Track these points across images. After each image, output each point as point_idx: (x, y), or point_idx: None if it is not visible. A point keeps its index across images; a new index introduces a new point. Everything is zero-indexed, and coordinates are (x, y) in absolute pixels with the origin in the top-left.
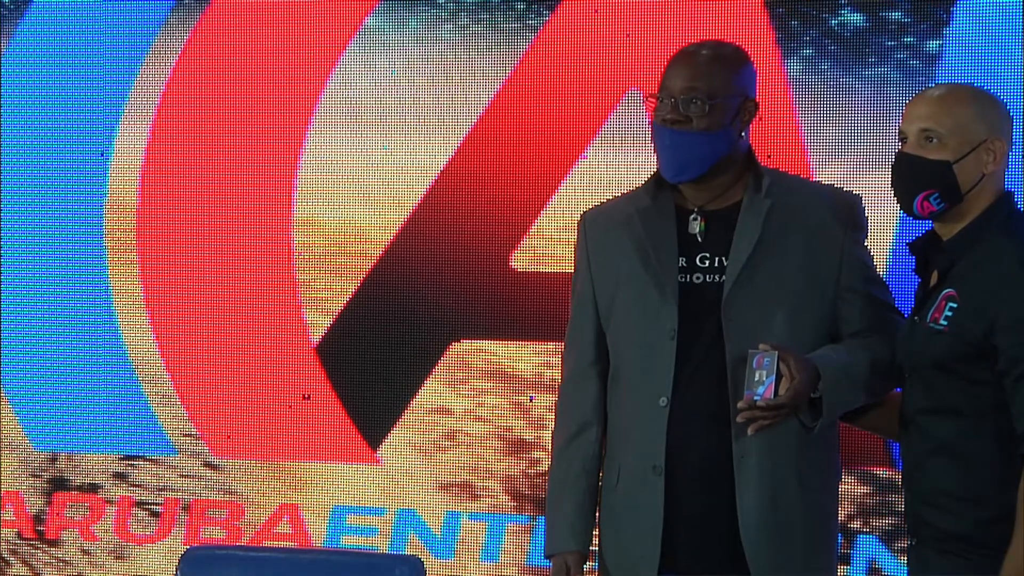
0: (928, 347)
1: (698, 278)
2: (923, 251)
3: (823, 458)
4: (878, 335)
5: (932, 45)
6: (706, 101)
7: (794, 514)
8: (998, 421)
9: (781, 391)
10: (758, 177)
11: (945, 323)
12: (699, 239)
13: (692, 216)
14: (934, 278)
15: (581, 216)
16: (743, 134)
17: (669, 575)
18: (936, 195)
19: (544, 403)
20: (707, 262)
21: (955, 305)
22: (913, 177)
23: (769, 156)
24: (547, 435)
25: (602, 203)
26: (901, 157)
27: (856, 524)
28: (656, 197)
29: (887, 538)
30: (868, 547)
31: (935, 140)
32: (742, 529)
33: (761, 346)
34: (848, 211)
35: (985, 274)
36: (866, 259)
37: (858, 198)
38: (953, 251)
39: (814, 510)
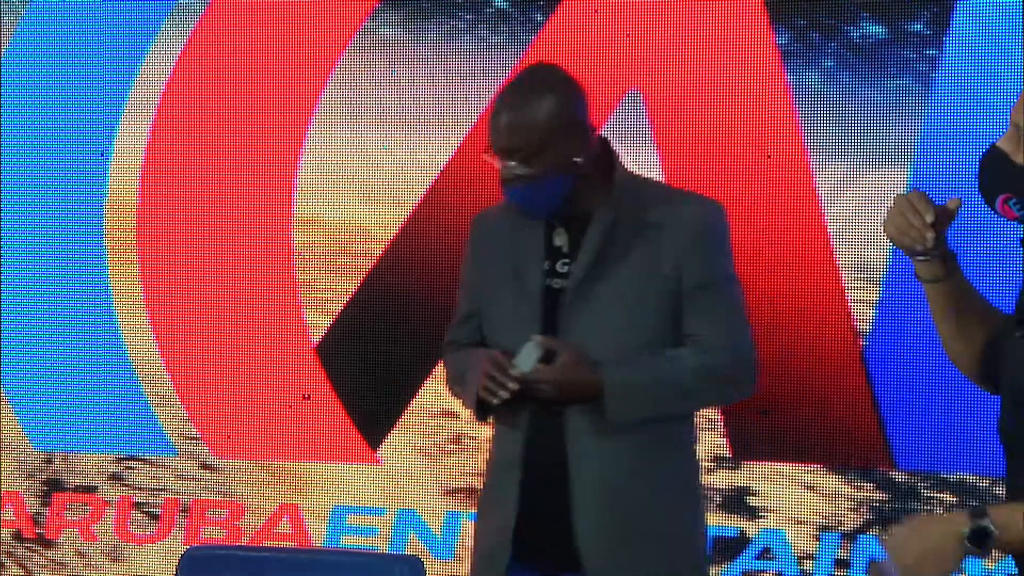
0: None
1: (557, 283)
2: None
3: (670, 458)
4: (707, 343)
5: (933, 45)
6: (526, 158)
7: (634, 515)
8: None
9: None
10: (609, 187)
11: None
12: (564, 250)
13: (556, 229)
14: None
15: (473, 218)
16: (580, 157)
17: (517, 570)
18: (1015, 201)
19: None
20: (566, 267)
21: None
22: (992, 174)
23: (769, 156)
24: None
25: (491, 207)
26: (990, 149)
27: (857, 524)
28: None
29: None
30: (868, 547)
31: (1018, 136)
32: (578, 529)
33: (537, 338)
34: (697, 219)
35: None
36: (712, 266)
37: (715, 207)
38: None
39: (662, 510)
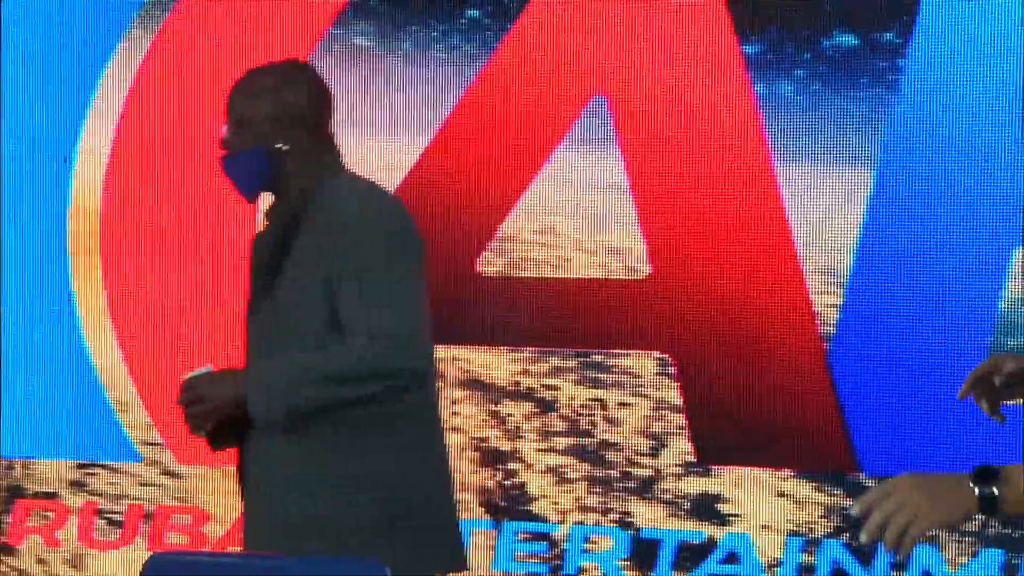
0: None
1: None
2: None
3: (363, 453)
4: (354, 332)
5: (900, 54)
6: (235, 128)
7: (303, 513)
8: None
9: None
10: (296, 185)
11: None
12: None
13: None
14: None
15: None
16: (286, 146)
17: None
18: None
19: (520, 411)
20: None
21: None
22: None
23: (730, 160)
24: (524, 446)
25: None
26: None
27: (826, 530)
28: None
29: (853, 542)
30: (834, 553)
31: None
32: (252, 530)
33: (209, 366)
34: (360, 218)
35: None
36: (363, 257)
37: (377, 200)
38: None
39: (340, 506)
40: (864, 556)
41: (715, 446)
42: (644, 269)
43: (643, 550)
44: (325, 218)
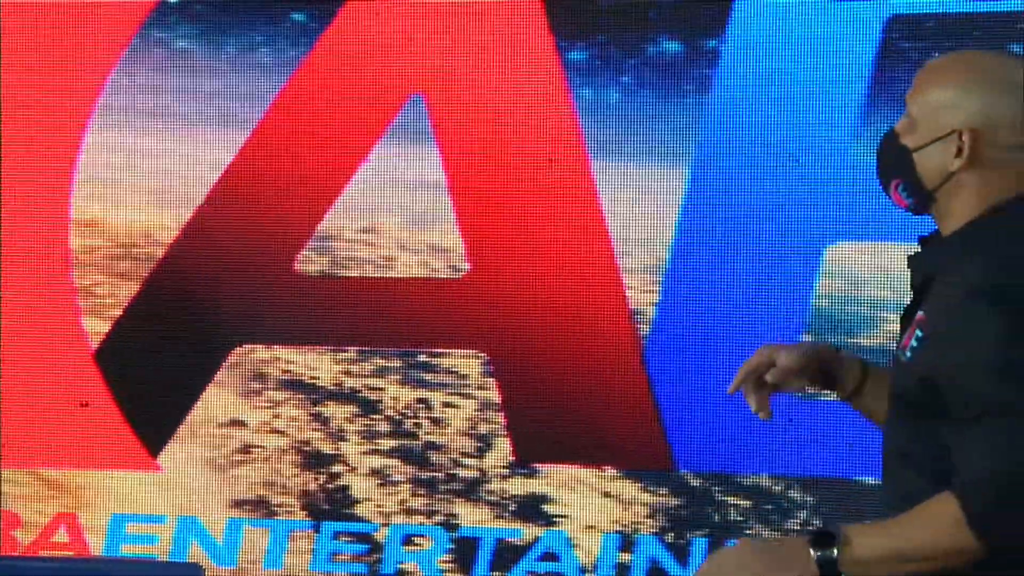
0: (897, 380)
1: None
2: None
3: None
4: None
5: (717, 55)
6: None
7: None
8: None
9: None
10: None
11: (910, 354)
12: None
13: None
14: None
15: None
16: None
17: None
18: (902, 185)
19: (343, 413)
20: None
21: (920, 333)
22: (883, 158)
23: (551, 160)
24: (347, 447)
25: None
26: (887, 133)
27: (647, 527)
28: None
29: (668, 538)
30: (651, 550)
31: (909, 119)
32: None
33: None
34: None
35: (946, 300)
36: None
37: None
38: (928, 261)
39: None
40: (680, 552)
41: (535, 445)
42: (464, 267)
43: (463, 549)
44: None
